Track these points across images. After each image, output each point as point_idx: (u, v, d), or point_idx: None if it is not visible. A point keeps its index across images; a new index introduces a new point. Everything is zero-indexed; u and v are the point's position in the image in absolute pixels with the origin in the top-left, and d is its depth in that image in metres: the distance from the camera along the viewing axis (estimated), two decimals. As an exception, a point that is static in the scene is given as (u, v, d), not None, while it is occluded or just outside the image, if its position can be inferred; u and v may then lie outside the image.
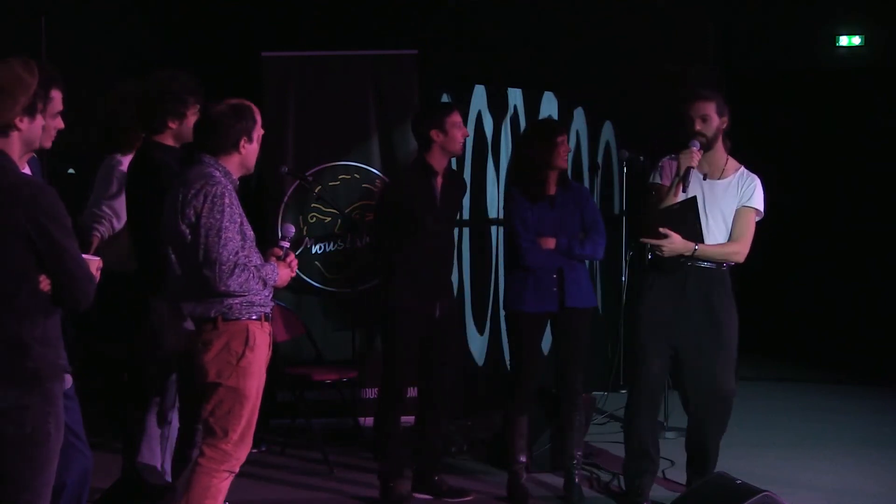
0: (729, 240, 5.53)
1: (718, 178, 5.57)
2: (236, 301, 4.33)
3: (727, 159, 5.62)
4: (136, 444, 4.93)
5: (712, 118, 5.51)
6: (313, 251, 7.40)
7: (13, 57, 3.55)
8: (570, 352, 5.81)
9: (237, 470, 4.46)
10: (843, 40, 9.98)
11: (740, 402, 6.04)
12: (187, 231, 4.31)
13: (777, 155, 10.30)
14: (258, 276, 4.33)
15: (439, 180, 5.75)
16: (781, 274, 10.25)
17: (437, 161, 5.71)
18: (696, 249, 5.43)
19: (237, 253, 4.27)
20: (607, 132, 8.56)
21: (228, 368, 4.34)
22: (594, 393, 7.24)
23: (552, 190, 5.74)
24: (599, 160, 8.47)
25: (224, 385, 4.35)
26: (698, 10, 9.07)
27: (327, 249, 7.42)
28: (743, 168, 5.62)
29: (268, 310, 4.46)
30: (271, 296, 4.49)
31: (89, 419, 4.27)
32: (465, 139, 5.79)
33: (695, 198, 5.46)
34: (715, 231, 5.52)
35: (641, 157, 7.51)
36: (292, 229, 4.69)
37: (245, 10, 8.28)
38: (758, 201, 5.55)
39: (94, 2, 7.96)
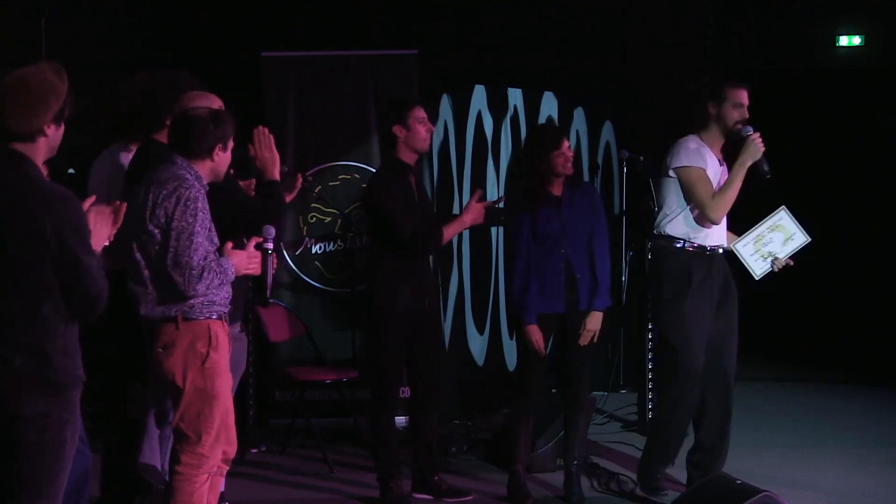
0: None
1: (721, 164, 5.69)
2: (198, 300, 4.29)
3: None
4: (138, 443, 4.93)
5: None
6: (313, 251, 7.40)
7: (43, 61, 3.53)
8: (576, 357, 5.77)
9: (215, 470, 4.43)
10: (843, 40, 9.99)
11: (740, 402, 6.05)
12: (157, 233, 4.26)
13: (776, 155, 10.29)
14: (219, 272, 4.26)
15: (412, 177, 5.74)
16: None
17: (407, 157, 5.70)
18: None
19: (206, 258, 4.23)
20: (607, 132, 8.56)
21: (194, 370, 4.29)
22: (594, 393, 7.24)
23: (558, 191, 5.73)
24: (599, 160, 8.47)
25: (191, 388, 4.30)
26: (698, 9, 9.07)
27: (327, 249, 7.42)
28: None
29: (226, 310, 4.41)
30: (230, 297, 4.44)
31: (88, 419, 4.26)
32: (430, 135, 5.76)
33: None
34: (729, 215, 5.66)
35: (641, 157, 7.51)
36: (272, 230, 4.61)
37: (245, 10, 8.28)
38: None
39: (94, 2, 7.96)
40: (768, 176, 5.58)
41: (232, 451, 4.58)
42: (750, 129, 5.56)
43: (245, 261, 4.42)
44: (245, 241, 4.47)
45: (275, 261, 4.59)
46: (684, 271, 5.61)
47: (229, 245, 4.40)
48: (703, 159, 5.60)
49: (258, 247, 4.49)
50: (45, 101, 3.46)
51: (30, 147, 3.48)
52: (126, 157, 5.24)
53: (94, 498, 5.02)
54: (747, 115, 5.60)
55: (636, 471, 5.98)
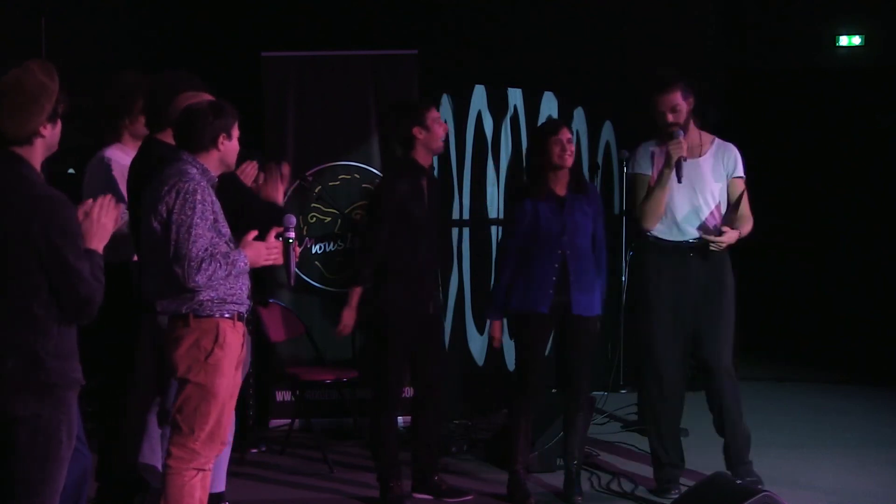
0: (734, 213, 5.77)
1: (699, 156, 5.75)
2: (207, 298, 4.31)
3: (700, 135, 5.81)
4: (138, 443, 4.94)
5: (681, 105, 5.70)
6: (313, 251, 7.40)
7: (31, 61, 3.52)
8: (576, 357, 5.78)
9: (207, 468, 4.42)
10: (843, 40, 9.99)
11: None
12: (159, 227, 4.29)
13: (776, 154, 10.30)
14: (225, 263, 4.28)
15: (425, 180, 5.75)
16: (780, 273, 10.25)
17: (423, 159, 5.71)
18: (740, 234, 5.70)
19: (206, 249, 4.25)
20: (607, 132, 8.56)
21: (197, 365, 4.32)
22: (594, 393, 7.24)
23: (562, 191, 5.72)
24: (599, 160, 8.47)
25: (192, 382, 4.33)
26: (698, 9, 9.07)
27: (327, 249, 7.42)
28: (717, 139, 5.82)
29: (242, 309, 4.42)
30: (247, 293, 4.45)
31: (87, 419, 4.27)
32: (445, 135, 5.78)
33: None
34: (704, 208, 5.72)
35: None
36: (293, 219, 4.64)
37: (245, 10, 8.28)
38: (741, 169, 5.80)
39: (94, 2, 7.96)
40: (679, 181, 5.63)
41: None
42: (678, 133, 5.63)
43: (264, 251, 4.44)
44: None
45: (297, 250, 4.62)
46: (653, 269, 5.77)
47: (248, 236, 4.41)
48: (648, 164, 5.75)
49: (279, 236, 4.52)
50: (38, 103, 3.46)
51: (27, 149, 3.49)
52: (112, 151, 5.26)
53: (93, 498, 5.03)
54: (671, 119, 5.67)
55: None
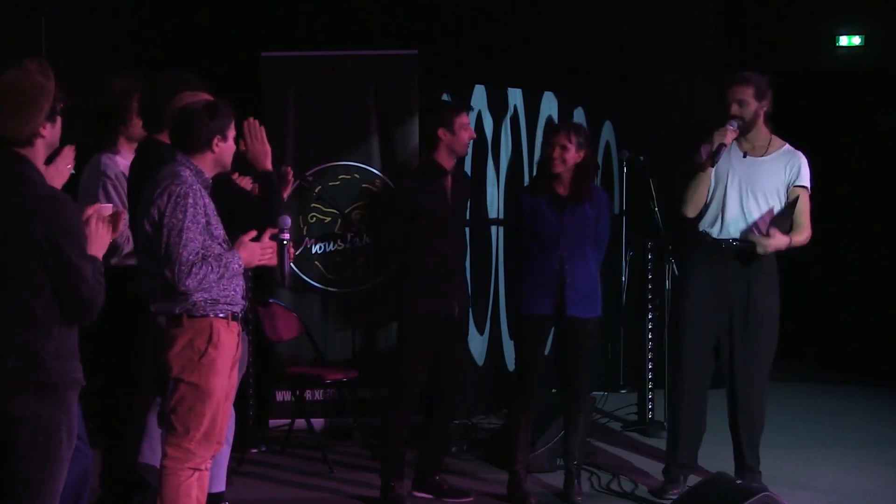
0: (787, 217, 5.69)
1: (761, 156, 5.71)
2: (200, 298, 4.30)
3: (770, 138, 5.76)
4: (137, 443, 4.94)
5: (749, 102, 5.68)
6: (313, 251, 7.40)
7: (27, 60, 3.51)
8: (573, 359, 5.79)
9: (203, 468, 4.41)
10: (843, 40, 9.99)
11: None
12: (151, 230, 4.29)
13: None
14: (217, 266, 4.27)
15: (449, 180, 5.74)
16: (779, 273, 10.22)
17: (446, 160, 5.70)
18: (790, 241, 5.63)
19: (197, 253, 4.24)
20: (607, 132, 8.56)
21: (191, 365, 4.31)
22: (594, 393, 7.24)
23: (564, 192, 5.71)
24: (599, 160, 8.46)
25: (186, 381, 4.32)
26: (698, 9, 9.07)
27: (327, 249, 7.43)
28: (787, 145, 5.77)
29: (236, 309, 4.41)
30: (242, 293, 4.44)
31: (88, 419, 4.27)
32: (470, 141, 5.79)
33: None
34: (754, 209, 5.66)
35: (641, 157, 7.52)
36: (288, 220, 4.64)
37: (245, 10, 8.28)
38: (805, 179, 5.72)
39: (94, 2, 7.96)
40: (711, 165, 5.63)
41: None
42: (731, 123, 5.63)
43: (258, 252, 4.44)
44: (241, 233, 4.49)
45: (292, 251, 4.62)
46: (694, 264, 5.76)
47: (245, 237, 4.41)
48: (701, 156, 5.71)
49: (274, 237, 4.52)
50: (37, 103, 3.46)
51: (28, 150, 3.49)
52: (110, 156, 5.26)
53: (96, 493, 5.02)
54: (734, 110, 5.65)
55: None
